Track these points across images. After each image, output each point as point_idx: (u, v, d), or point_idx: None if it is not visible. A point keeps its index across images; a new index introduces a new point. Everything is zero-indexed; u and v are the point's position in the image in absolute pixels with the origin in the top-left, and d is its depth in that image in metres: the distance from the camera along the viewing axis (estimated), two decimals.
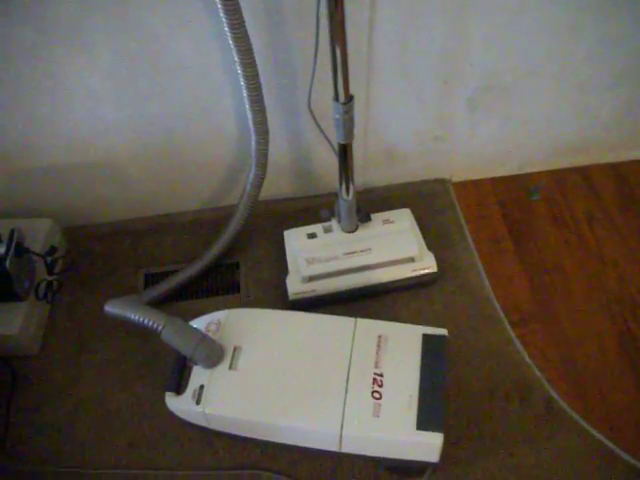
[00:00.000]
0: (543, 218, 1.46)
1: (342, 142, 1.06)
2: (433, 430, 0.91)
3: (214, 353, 1.01)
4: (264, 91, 1.07)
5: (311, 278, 1.23)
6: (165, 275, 1.31)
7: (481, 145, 1.44)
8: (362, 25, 1.09)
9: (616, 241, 1.41)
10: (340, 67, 0.93)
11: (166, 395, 1.03)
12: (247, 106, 1.09)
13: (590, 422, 1.10)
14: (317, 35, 0.93)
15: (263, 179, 1.23)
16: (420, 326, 1.05)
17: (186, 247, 1.40)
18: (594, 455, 1.06)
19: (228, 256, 1.34)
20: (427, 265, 1.27)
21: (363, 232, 1.29)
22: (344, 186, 1.17)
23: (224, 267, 1.36)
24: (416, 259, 1.26)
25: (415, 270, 1.26)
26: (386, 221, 1.30)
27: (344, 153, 1.10)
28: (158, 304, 1.25)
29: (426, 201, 1.46)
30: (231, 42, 0.97)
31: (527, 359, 1.19)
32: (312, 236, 1.29)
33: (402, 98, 1.27)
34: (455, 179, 1.52)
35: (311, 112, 1.08)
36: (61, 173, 1.30)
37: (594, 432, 1.08)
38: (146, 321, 0.96)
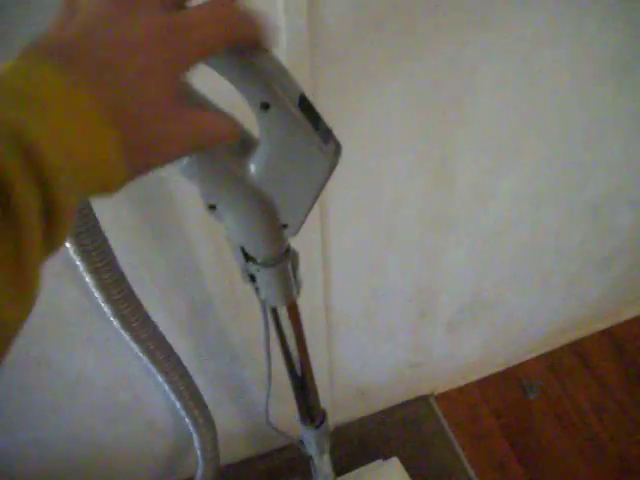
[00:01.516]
0: (547, 421, 1.25)
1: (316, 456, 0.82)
2: None
3: None
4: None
5: None
6: None
7: (464, 357, 1.23)
8: (317, 282, 0.86)
9: (632, 432, 1.21)
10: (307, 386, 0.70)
11: None
12: (183, 413, 0.84)
13: None
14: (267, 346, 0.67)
15: (215, 476, 0.96)
16: None
17: None
18: None
19: None
20: None
21: None
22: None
23: None
24: None
25: None
26: None
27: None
28: None
29: (410, 429, 1.21)
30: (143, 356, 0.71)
31: None
32: None
33: (371, 340, 1.04)
34: (438, 391, 1.29)
35: (271, 426, 0.82)
36: None
37: None
38: None
